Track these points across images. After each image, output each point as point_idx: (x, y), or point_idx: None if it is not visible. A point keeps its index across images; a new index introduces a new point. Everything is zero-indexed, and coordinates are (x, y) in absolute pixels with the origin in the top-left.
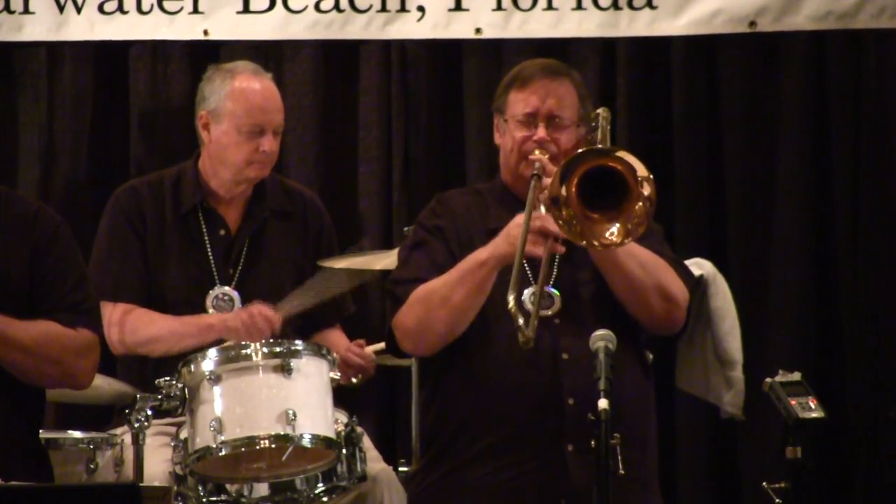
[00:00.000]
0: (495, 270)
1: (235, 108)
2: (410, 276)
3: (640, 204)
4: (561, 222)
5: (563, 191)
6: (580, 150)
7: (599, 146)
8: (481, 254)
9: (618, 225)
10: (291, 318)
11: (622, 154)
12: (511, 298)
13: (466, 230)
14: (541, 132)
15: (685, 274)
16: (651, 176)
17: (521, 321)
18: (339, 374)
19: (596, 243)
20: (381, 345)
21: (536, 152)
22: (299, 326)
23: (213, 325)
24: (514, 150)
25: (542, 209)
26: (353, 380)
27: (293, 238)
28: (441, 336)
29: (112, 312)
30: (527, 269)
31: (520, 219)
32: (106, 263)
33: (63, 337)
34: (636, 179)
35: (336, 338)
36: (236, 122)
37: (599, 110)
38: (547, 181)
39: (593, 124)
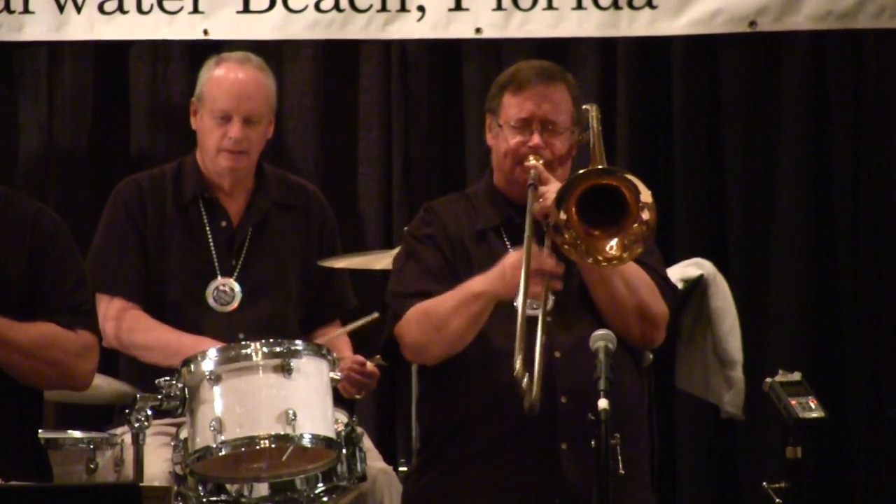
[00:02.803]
0: (491, 304)
1: (210, 94)
2: (407, 290)
3: (637, 225)
4: (567, 246)
5: (563, 215)
6: (574, 176)
7: (600, 167)
8: (477, 285)
9: (616, 240)
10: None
11: (621, 173)
12: (518, 362)
13: (457, 235)
14: (535, 139)
15: (669, 292)
16: (653, 202)
17: (525, 382)
18: (339, 374)
19: (600, 258)
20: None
21: (531, 159)
22: (299, 322)
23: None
24: (509, 156)
25: (540, 211)
26: (357, 396)
27: (295, 230)
28: (439, 355)
29: (108, 306)
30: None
31: (514, 258)
32: (104, 256)
33: (62, 339)
34: (637, 200)
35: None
36: (210, 108)
37: (589, 108)
38: (543, 189)
39: (585, 124)
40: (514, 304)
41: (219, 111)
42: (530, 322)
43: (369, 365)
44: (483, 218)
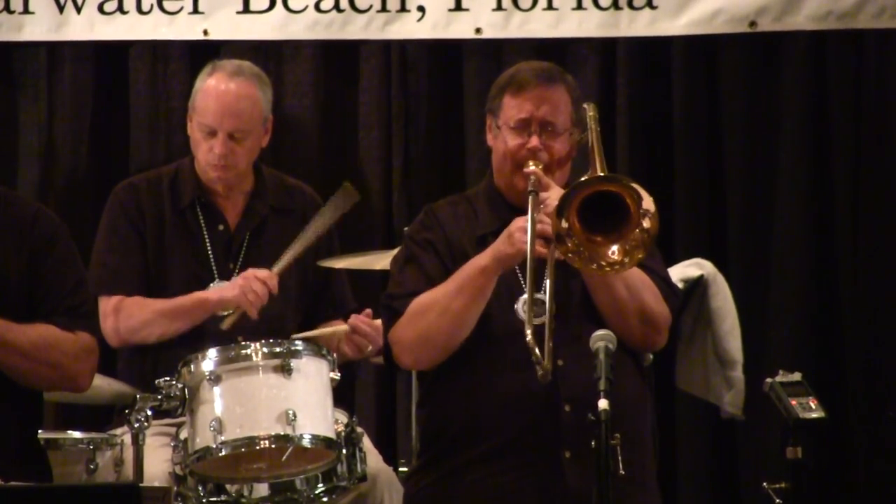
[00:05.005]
0: (496, 275)
1: (198, 106)
2: (406, 291)
3: (638, 231)
4: (570, 254)
5: (564, 223)
6: (576, 183)
7: (601, 174)
8: (481, 260)
9: (617, 245)
10: (286, 271)
11: (623, 180)
12: (529, 332)
13: (457, 240)
14: (534, 141)
15: (671, 295)
16: (655, 210)
17: (537, 353)
18: (339, 374)
19: (603, 263)
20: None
21: (531, 164)
22: (300, 322)
23: (207, 299)
24: (508, 159)
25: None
26: (368, 348)
27: (293, 234)
28: (441, 347)
29: (107, 305)
30: (519, 276)
31: (521, 221)
32: (105, 259)
33: (61, 340)
34: (639, 207)
35: (338, 324)
36: (197, 120)
37: (586, 107)
38: (544, 195)
39: (584, 125)
40: (516, 307)
41: (205, 125)
42: (537, 329)
43: (376, 322)
44: (483, 223)
